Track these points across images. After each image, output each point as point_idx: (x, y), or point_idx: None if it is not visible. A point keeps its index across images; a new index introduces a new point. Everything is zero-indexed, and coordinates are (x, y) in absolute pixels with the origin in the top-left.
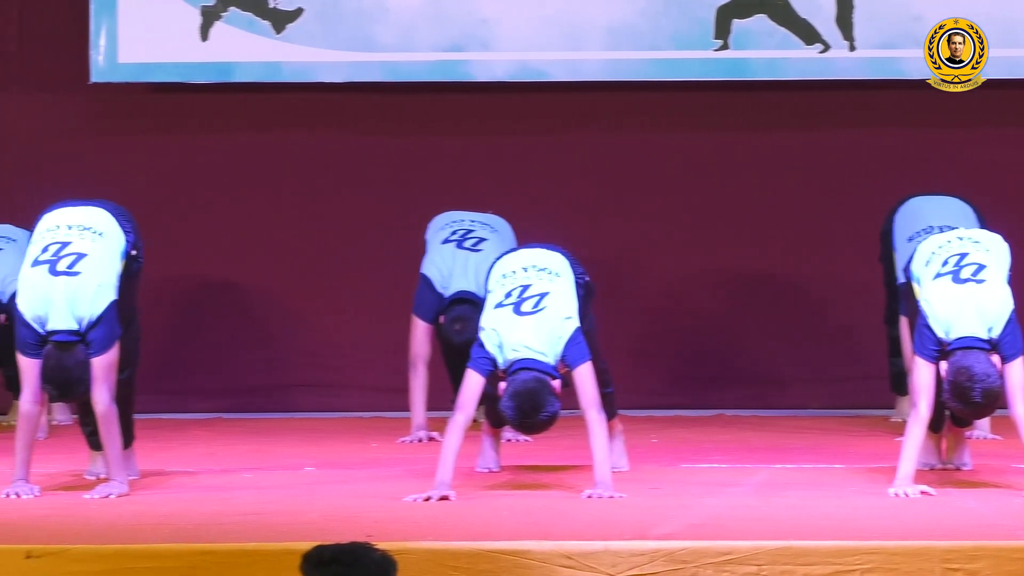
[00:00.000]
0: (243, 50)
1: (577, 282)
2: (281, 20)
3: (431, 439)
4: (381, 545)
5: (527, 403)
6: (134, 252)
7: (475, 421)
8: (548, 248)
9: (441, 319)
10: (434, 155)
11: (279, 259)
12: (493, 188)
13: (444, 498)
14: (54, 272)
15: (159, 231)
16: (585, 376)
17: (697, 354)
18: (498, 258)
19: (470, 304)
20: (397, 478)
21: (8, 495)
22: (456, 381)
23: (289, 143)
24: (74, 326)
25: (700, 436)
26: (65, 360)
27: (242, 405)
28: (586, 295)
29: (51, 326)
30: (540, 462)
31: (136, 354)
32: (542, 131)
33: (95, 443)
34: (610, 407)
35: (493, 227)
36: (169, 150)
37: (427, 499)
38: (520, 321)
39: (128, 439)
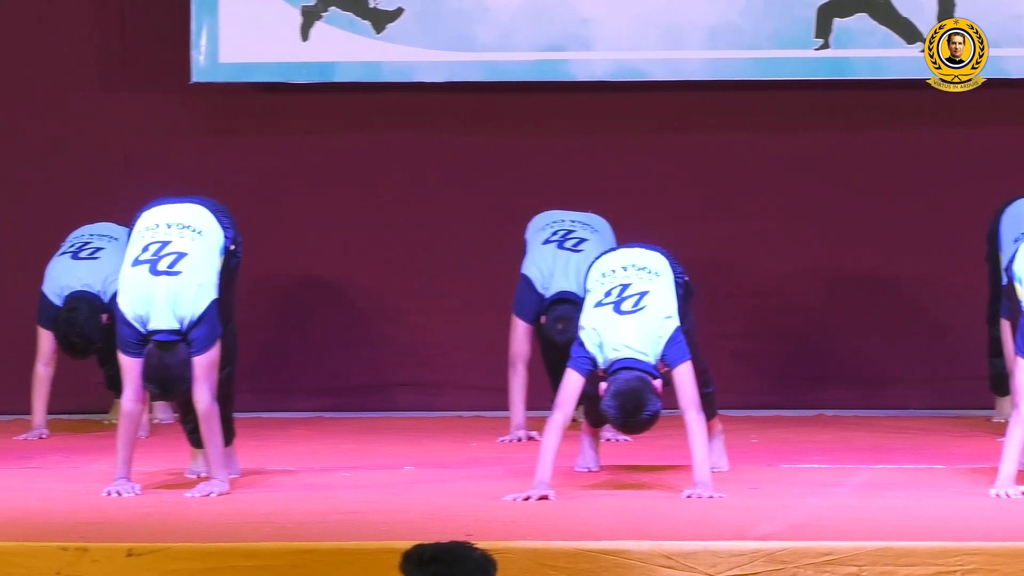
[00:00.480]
0: (343, 50)
1: (676, 282)
2: (381, 20)
3: (530, 439)
4: (481, 544)
5: (630, 403)
6: (232, 247)
7: (574, 421)
8: (648, 248)
9: (542, 319)
10: (533, 155)
11: (380, 259)
12: (592, 188)
13: (544, 497)
14: (155, 272)
15: (260, 230)
16: (685, 375)
17: (798, 354)
18: (597, 257)
19: (571, 304)
20: (497, 477)
21: (110, 493)
22: (555, 381)
23: (389, 143)
24: (175, 325)
25: (800, 436)
26: (166, 359)
27: (343, 404)
28: (685, 295)
29: (152, 325)
30: (640, 462)
31: (235, 352)
32: (642, 131)
33: (196, 441)
34: (710, 407)
35: (593, 227)
36: (269, 150)
37: (527, 498)
38: (620, 320)
39: (229, 437)
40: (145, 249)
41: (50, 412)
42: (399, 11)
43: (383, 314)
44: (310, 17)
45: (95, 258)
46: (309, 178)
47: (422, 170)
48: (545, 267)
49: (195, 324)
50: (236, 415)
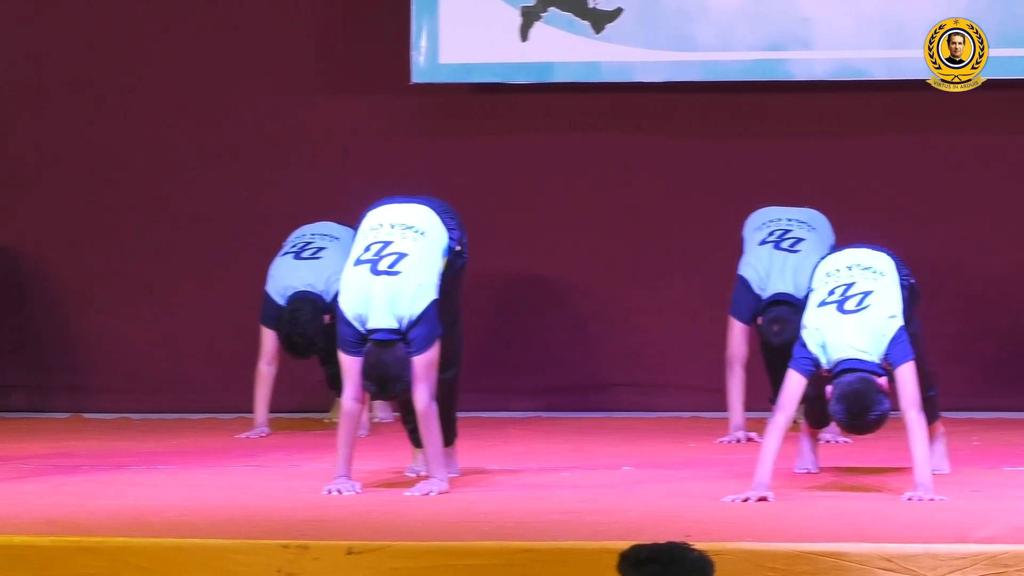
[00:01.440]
0: (562, 50)
1: (902, 283)
2: (600, 20)
3: (749, 440)
4: (698, 545)
5: (856, 404)
6: (458, 248)
7: (794, 422)
8: (873, 248)
9: (759, 320)
10: (753, 155)
11: (599, 259)
12: (812, 188)
13: (762, 499)
14: (375, 272)
15: (480, 231)
16: (907, 376)
17: (1021, 354)
18: (823, 257)
19: (788, 306)
20: (715, 478)
21: (330, 492)
22: (775, 381)
23: (608, 143)
24: (394, 325)
25: (1023, 439)
26: (384, 357)
27: (561, 404)
28: (910, 297)
29: (371, 324)
30: (859, 464)
31: (459, 353)
32: (862, 131)
33: (416, 440)
34: (932, 410)
35: (811, 224)
36: (488, 150)
37: (745, 500)
38: (844, 320)
39: (450, 437)
40: (367, 249)
41: (272, 410)
42: (618, 11)
43: (601, 314)
44: (530, 17)
45: (317, 258)
46: (528, 179)
47: (640, 170)
48: (761, 268)
49: (414, 324)
50: (457, 415)
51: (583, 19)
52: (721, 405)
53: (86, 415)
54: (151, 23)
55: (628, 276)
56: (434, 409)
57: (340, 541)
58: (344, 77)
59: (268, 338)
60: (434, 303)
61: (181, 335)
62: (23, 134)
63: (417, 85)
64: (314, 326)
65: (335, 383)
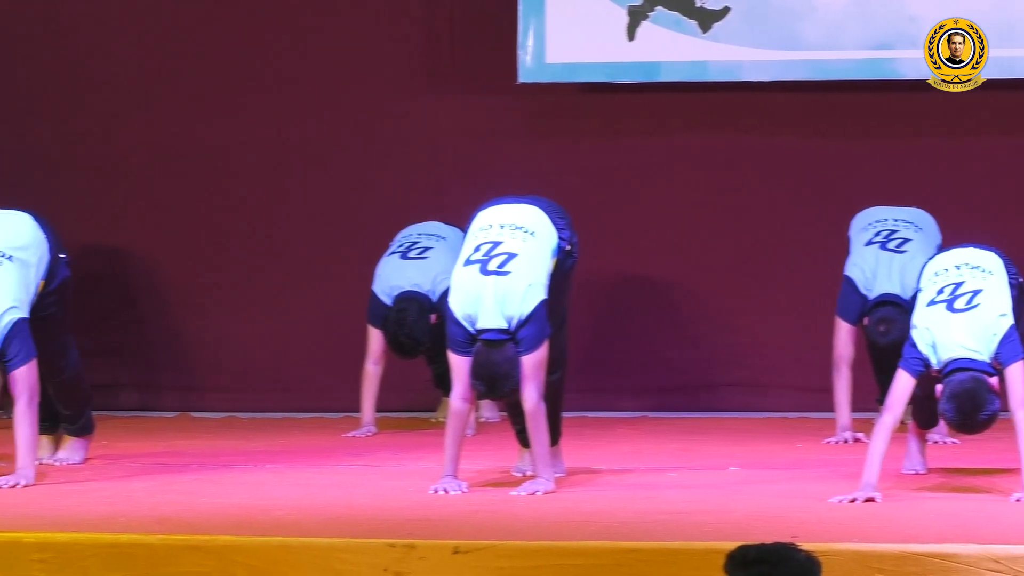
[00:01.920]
0: (669, 49)
1: (1010, 282)
2: (708, 19)
3: (856, 440)
4: (805, 546)
5: (968, 403)
6: (568, 248)
7: (901, 423)
8: (982, 247)
9: (865, 321)
10: (860, 154)
11: (704, 259)
12: (919, 188)
13: (870, 500)
14: (485, 272)
15: (586, 231)
16: (1017, 375)
17: None
18: (930, 258)
19: (894, 307)
20: (822, 479)
21: (437, 491)
22: (882, 382)
23: (714, 143)
24: (503, 324)
25: None
26: (494, 356)
27: (667, 404)
28: (1019, 296)
29: (480, 324)
30: (968, 465)
31: (566, 356)
32: (972, 130)
33: (524, 440)
34: None
35: (917, 224)
36: (594, 150)
37: (852, 500)
38: (953, 319)
39: (555, 437)
40: (477, 249)
41: (378, 410)
42: (726, 10)
43: (708, 314)
44: (636, 17)
45: (424, 258)
46: (633, 178)
47: (746, 170)
48: (868, 268)
49: (523, 324)
50: (562, 415)
51: (690, 18)
52: (828, 405)
53: (194, 414)
54: (263, 24)
55: (734, 276)
56: (543, 409)
57: (447, 540)
58: (451, 77)
59: (375, 338)
60: (543, 303)
61: (288, 334)
62: (134, 135)
63: (524, 85)
64: (420, 326)
65: (442, 382)
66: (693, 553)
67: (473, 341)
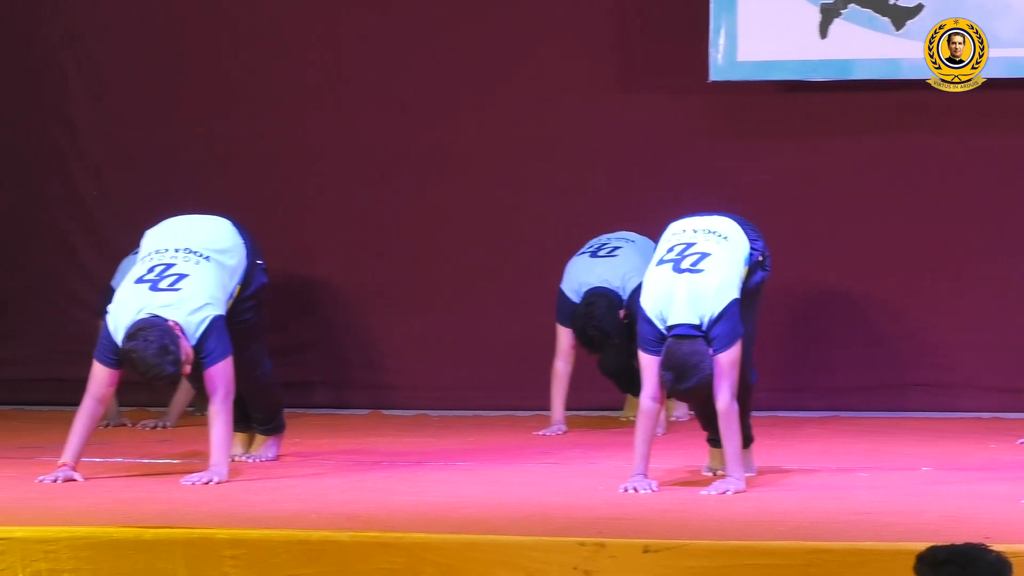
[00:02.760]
0: (862, 47)
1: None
2: (901, 17)
3: None
4: (997, 547)
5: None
6: (760, 258)
7: None
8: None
9: None
10: None
11: (894, 258)
12: None
13: None
14: (678, 270)
15: (776, 231)
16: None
17: None
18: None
19: None
20: (1016, 480)
21: (627, 490)
22: None
23: (906, 141)
24: (695, 321)
25: None
26: (684, 348)
27: (857, 403)
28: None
29: (672, 321)
30: None
31: (749, 373)
32: None
33: (715, 441)
34: None
35: None
36: (787, 149)
37: None
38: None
39: (747, 439)
40: (670, 250)
41: (568, 408)
42: (919, 7)
43: (898, 314)
44: (829, 14)
45: (613, 256)
46: (824, 177)
47: (938, 168)
48: None
49: (715, 321)
50: (753, 414)
51: (883, 16)
52: (1022, 406)
53: (385, 412)
54: (445, 18)
55: (924, 275)
56: (735, 408)
57: (636, 539)
58: (641, 74)
59: (564, 336)
60: (735, 302)
61: (478, 333)
62: (319, 136)
63: (715, 83)
64: (609, 320)
65: (630, 383)
66: (883, 554)
67: (663, 340)
